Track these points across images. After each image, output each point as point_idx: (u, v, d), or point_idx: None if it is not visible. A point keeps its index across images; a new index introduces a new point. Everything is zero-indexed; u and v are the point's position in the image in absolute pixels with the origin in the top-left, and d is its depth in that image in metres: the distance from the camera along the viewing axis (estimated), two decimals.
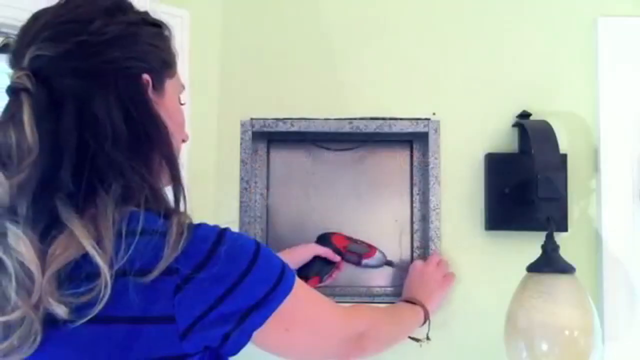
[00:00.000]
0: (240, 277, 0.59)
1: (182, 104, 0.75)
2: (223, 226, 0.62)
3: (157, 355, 0.57)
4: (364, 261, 1.15)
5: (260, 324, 0.61)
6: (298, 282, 0.66)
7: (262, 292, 0.61)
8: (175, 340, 0.57)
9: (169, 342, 0.57)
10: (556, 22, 1.19)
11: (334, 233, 1.15)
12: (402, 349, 1.15)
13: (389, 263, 1.16)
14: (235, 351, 0.62)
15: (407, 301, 1.05)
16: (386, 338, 0.92)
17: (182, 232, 0.57)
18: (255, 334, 0.62)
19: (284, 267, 0.65)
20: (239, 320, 0.60)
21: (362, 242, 1.16)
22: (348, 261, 1.15)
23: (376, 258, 1.15)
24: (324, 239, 1.14)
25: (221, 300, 0.58)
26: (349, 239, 1.15)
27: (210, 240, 0.59)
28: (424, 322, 1.05)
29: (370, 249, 1.15)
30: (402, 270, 1.18)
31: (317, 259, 1.11)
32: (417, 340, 1.07)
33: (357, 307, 0.92)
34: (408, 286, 1.11)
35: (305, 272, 1.10)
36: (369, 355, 0.85)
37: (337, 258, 1.12)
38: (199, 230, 0.60)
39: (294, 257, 1.09)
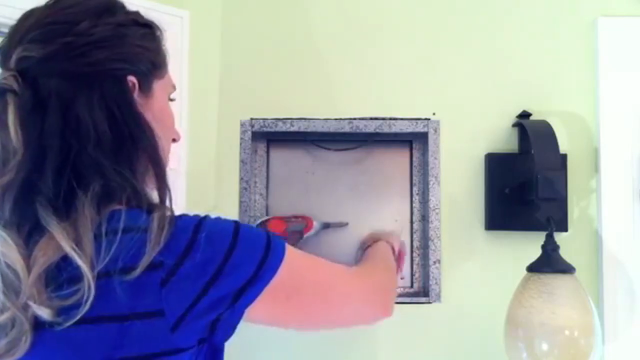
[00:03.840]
0: (224, 259, 0.59)
1: (171, 100, 0.75)
2: (203, 214, 0.62)
3: (149, 351, 0.56)
4: (305, 235, 1.14)
5: (252, 300, 0.60)
6: (290, 251, 0.65)
7: (251, 269, 0.60)
8: (166, 335, 0.56)
9: (160, 337, 0.56)
10: (556, 22, 1.19)
11: (267, 220, 1.13)
12: (403, 346, 1.15)
13: (326, 225, 1.16)
14: (228, 333, 0.61)
15: (372, 243, 1.03)
16: (395, 289, 0.92)
17: (164, 226, 0.57)
18: (252, 309, 0.61)
19: (269, 238, 0.64)
20: (231, 302, 0.59)
21: (297, 218, 1.14)
22: (290, 242, 1.13)
23: (315, 228, 1.15)
24: None
25: (209, 286, 0.58)
26: (284, 220, 1.13)
27: (190, 230, 0.59)
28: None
29: (307, 221, 1.14)
30: (340, 227, 1.18)
31: None
32: None
33: (363, 268, 0.88)
34: (366, 236, 1.10)
35: None
36: (390, 313, 0.82)
37: None
38: (180, 222, 0.59)
39: None
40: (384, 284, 0.83)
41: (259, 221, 1.14)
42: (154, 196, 0.64)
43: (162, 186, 0.64)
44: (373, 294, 0.79)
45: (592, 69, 1.17)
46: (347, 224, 1.18)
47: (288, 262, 0.63)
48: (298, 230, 1.13)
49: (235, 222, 0.63)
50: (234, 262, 0.59)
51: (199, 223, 0.60)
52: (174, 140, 0.76)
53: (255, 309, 0.61)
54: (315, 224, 1.15)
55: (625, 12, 1.17)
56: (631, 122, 1.15)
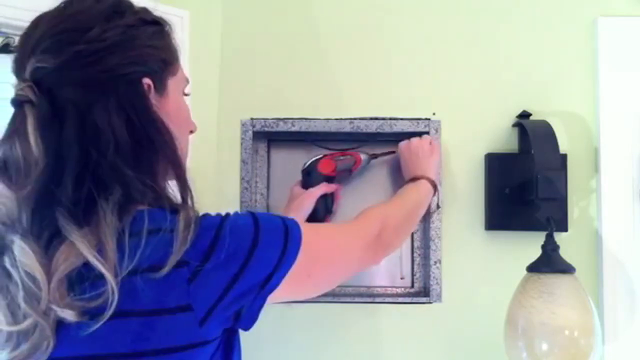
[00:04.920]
0: (248, 254, 0.61)
1: (186, 95, 0.75)
2: (224, 213, 0.65)
3: (177, 344, 0.58)
4: (354, 172, 1.16)
5: (275, 287, 0.63)
6: (305, 231, 0.67)
7: (274, 260, 0.63)
8: (194, 328, 0.58)
9: (187, 331, 0.58)
10: (556, 22, 1.19)
11: (318, 160, 1.12)
12: (403, 346, 1.15)
13: (373, 157, 1.17)
14: (253, 320, 0.63)
15: (410, 181, 1.07)
16: (403, 225, 0.96)
17: (190, 226, 0.58)
18: (275, 293, 0.63)
19: (286, 226, 0.66)
20: (256, 292, 0.62)
21: (345, 155, 1.14)
22: (340, 180, 1.15)
23: (363, 162, 1.15)
24: (311, 173, 1.11)
25: (235, 281, 0.60)
26: (333, 159, 1.13)
27: (213, 229, 0.61)
28: (435, 192, 1.07)
29: (355, 157, 1.14)
30: (387, 155, 1.18)
31: (319, 198, 1.10)
32: (429, 213, 1.12)
33: (365, 213, 0.91)
34: (404, 169, 1.12)
35: (315, 217, 1.09)
36: (395, 248, 0.96)
37: (334, 187, 1.12)
38: (204, 222, 0.61)
39: (303, 211, 1.07)
40: (382, 232, 0.87)
41: (310, 160, 1.12)
42: (175, 196, 0.65)
43: (184, 186, 0.65)
44: (372, 250, 0.85)
45: (592, 69, 1.17)
46: (394, 152, 1.17)
47: (305, 244, 0.66)
48: (347, 169, 1.14)
49: (253, 215, 0.65)
50: (257, 257, 0.61)
51: (222, 222, 0.62)
52: (191, 132, 0.77)
53: (278, 292, 0.64)
54: (363, 159, 1.15)
55: (625, 12, 1.17)
56: (631, 122, 1.15)
